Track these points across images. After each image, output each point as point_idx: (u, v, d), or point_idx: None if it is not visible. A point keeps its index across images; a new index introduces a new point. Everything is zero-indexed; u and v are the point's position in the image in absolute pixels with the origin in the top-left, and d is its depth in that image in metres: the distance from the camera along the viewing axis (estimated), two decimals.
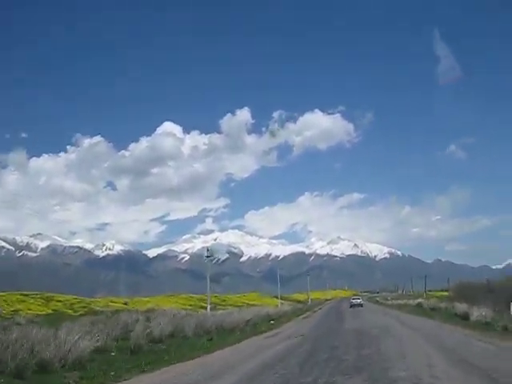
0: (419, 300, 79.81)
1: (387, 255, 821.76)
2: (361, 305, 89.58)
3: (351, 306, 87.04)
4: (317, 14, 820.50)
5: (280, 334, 35.13)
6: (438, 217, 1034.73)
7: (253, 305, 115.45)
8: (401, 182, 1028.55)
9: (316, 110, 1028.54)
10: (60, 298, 73.08)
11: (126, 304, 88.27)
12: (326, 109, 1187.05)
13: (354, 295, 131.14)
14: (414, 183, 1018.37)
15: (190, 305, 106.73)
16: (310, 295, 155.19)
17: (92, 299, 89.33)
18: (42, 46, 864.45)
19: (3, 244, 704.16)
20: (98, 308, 70.11)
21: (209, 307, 69.62)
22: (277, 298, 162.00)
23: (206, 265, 72.55)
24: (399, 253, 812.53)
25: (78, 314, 64.02)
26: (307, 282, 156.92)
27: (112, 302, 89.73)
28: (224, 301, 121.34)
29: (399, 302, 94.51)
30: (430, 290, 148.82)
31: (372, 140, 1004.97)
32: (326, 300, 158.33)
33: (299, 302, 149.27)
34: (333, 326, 40.36)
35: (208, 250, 69.45)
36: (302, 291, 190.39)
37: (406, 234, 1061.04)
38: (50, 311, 66.67)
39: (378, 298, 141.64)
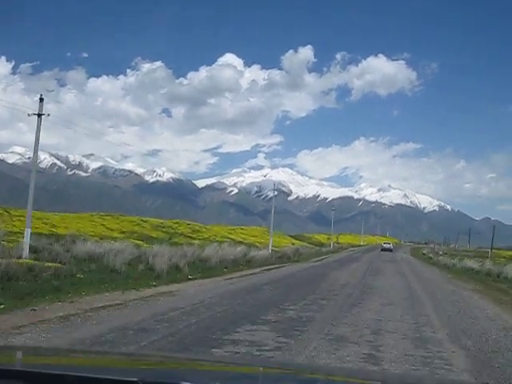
0: None
1: (436, 208, 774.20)
2: (390, 250, 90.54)
3: (382, 250, 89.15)
4: None
5: None
6: (493, 175, 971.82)
7: (240, 242, 74.13)
8: (458, 136, 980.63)
9: (380, 55, 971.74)
10: None
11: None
12: (390, 54, 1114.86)
13: (386, 241, 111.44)
14: (472, 138, 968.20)
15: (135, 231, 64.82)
16: (333, 238, 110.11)
17: None
18: None
19: (55, 161, 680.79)
20: None
21: None
22: (292, 237, 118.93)
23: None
24: (448, 207, 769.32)
25: None
26: (354, 225, 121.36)
27: None
28: (196, 232, 76.73)
29: (468, 263, 47.01)
30: (480, 248, 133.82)
31: (434, 90, 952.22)
32: (353, 246, 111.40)
33: (321, 244, 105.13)
34: None
35: None
36: (344, 234, 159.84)
37: (458, 188, 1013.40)
38: None
39: (424, 251, 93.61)
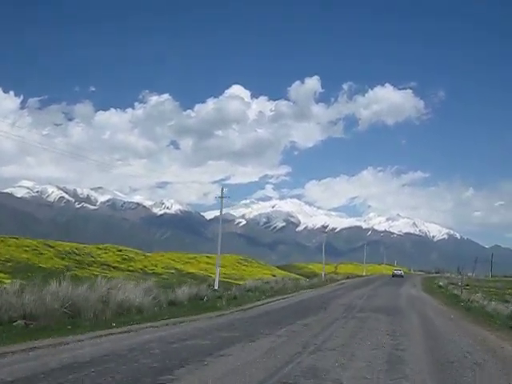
0: None
1: (445, 236, 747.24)
2: (401, 276, 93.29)
3: (393, 276, 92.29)
4: None
5: None
6: (502, 202, 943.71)
7: (191, 273, 53.78)
8: (466, 164, 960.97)
9: (387, 85, 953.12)
10: None
11: None
12: (397, 84, 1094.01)
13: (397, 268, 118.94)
14: (480, 166, 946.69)
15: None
16: (326, 268, 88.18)
17: None
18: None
19: (63, 195, 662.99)
20: None
21: None
22: (280, 267, 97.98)
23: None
24: (458, 235, 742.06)
25: None
26: (363, 255, 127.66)
27: None
28: (129, 261, 54.64)
29: None
30: (493, 276, 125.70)
31: (442, 119, 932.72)
32: (349, 278, 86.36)
33: (314, 275, 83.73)
34: None
35: None
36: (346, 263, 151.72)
37: (467, 216, 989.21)
38: None
39: (441, 283, 68.38)
